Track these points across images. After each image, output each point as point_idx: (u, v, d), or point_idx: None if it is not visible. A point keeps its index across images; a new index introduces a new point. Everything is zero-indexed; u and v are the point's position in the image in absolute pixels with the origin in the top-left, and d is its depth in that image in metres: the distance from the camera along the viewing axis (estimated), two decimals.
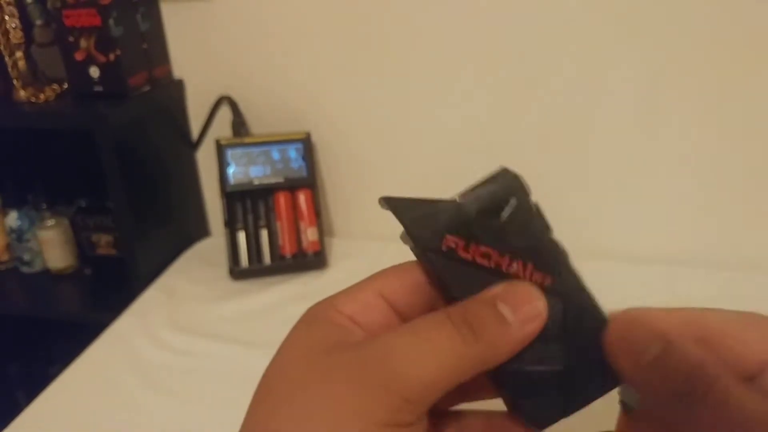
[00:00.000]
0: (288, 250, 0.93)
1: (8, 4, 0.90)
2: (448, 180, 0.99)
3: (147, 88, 0.94)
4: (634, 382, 0.24)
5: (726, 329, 0.25)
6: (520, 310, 0.24)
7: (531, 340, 0.24)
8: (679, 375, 0.23)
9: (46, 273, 1.08)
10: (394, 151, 0.99)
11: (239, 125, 0.98)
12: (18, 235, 1.07)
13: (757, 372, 0.24)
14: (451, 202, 0.27)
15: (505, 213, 0.27)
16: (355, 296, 0.27)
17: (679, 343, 0.23)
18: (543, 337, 0.25)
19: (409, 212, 0.26)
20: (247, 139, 0.95)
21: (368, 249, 0.95)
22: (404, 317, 0.27)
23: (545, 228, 0.27)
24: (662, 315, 0.25)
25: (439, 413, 0.28)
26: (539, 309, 0.24)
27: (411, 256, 0.27)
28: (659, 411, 0.24)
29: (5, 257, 1.10)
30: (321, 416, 0.22)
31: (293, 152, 0.95)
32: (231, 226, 0.93)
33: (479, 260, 0.26)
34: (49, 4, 0.90)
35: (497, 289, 0.24)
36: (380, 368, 0.22)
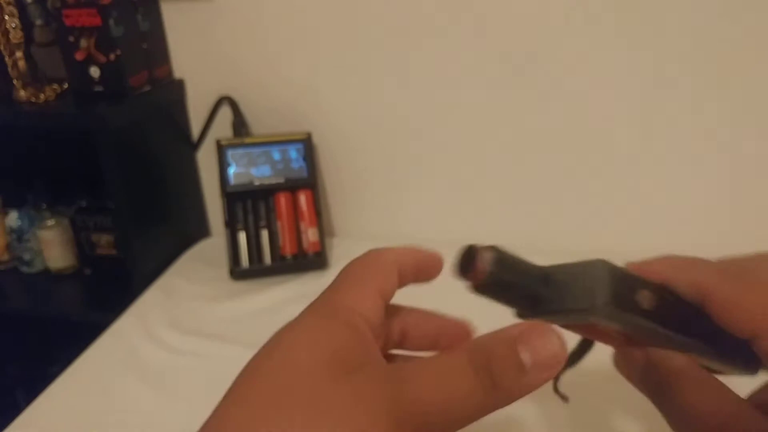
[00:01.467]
0: (288, 250, 0.93)
1: (8, 3, 0.89)
2: (448, 180, 1.00)
3: (147, 88, 0.94)
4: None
5: (725, 292, 0.27)
6: (539, 356, 0.23)
7: (545, 383, 0.24)
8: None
9: (46, 273, 1.08)
10: (395, 151, 0.99)
11: (240, 125, 0.98)
12: (18, 235, 1.06)
13: (748, 338, 0.27)
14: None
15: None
16: (362, 296, 0.27)
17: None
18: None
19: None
20: (247, 140, 0.95)
21: (368, 249, 0.95)
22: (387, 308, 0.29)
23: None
24: (664, 267, 0.29)
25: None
26: (558, 356, 0.24)
27: None
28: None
29: (5, 257, 1.10)
30: None
31: (294, 152, 0.95)
32: (231, 226, 0.93)
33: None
34: (49, 4, 0.90)
35: (517, 329, 0.24)
36: (406, 406, 0.23)
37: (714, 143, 0.86)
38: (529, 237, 0.94)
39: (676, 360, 0.28)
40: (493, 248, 0.27)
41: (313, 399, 0.23)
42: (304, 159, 0.95)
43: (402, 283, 0.29)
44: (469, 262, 0.27)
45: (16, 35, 0.91)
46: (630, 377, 0.30)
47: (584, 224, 0.93)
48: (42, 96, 0.92)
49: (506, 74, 0.89)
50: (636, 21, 0.83)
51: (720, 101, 0.84)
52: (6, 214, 1.07)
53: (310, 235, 0.93)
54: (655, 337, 0.27)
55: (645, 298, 0.27)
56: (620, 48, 0.84)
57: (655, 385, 0.28)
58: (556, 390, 0.31)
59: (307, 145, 0.95)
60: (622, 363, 0.30)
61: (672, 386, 0.27)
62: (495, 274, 0.26)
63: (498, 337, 0.24)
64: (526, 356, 0.23)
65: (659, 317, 0.27)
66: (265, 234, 0.94)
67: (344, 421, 0.22)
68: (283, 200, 0.94)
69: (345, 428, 0.22)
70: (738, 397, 0.27)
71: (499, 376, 0.23)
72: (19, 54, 0.92)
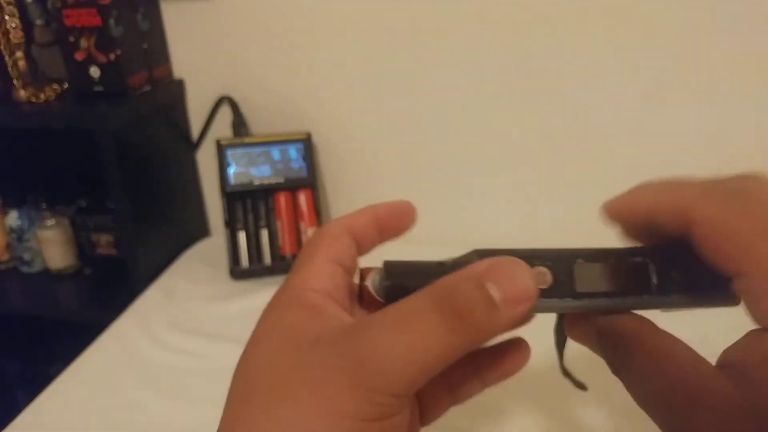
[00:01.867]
0: (288, 250, 0.93)
1: (8, 3, 0.90)
2: (448, 179, 1.00)
3: (147, 87, 0.94)
4: None
5: (712, 214, 0.23)
6: (508, 290, 0.22)
7: (519, 322, 0.23)
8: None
9: (47, 273, 1.08)
10: (395, 150, 0.99)
11: (239, 125, 0.98)
12: (18, 235, 1.06)
13: (733, 273, 0.23)
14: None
15: None
16: (314, 270, 0.26)
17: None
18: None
19: None
20: (247, 139, 0.95)
21: None
22: (352, 272, 0.28)
23: None
24: (653, 193, 0.26)
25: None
26: (528, 289, 0.22)
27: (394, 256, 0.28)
28: None
29: (5, 257, 1.10)
30: (310, 419, 0.21)
31: (294, 152, 0.95)
32: (231, 226, 0.93)
33: None
34: (49, 4, 0.90)
35: (483, 265, 0.22)
36: (367, 366, 0.21)
37: (716, 142, 0.87)
38: (531, 236, 0.94)
39: (627, 324, 0.25)
40: (383, 265, 0.27)
41: (274, 383, 0.23)
42: (304, 159, 0.95)
43: (366, 244, 0.29)
44: (362, 290, 0.27)
45: (16, 35, 0.91)
46: (586, 344, 0.27)
47: (587, 222, 0.93)
48: (42, 96, 0.92)
49: (508, 73, 0.89)
50: (638, 20, 0.83)
51: (722, 100, 0.84)
52: (6, 213, 1.07)
53: (310, 234, 0.94)
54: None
55: (543, 276, 0.26)
56: (623, 46, 0.85)
57: (611, 353, 0.25)
58: (566, 374, 0.30)
59: (307, 145, 0.95)
60: (573, 330, 0.28)
61: (626, 355, 0.24)
62: (388, 287, 0.26)
63: (463, 275, 0.22)
64: (494, 291, 0.22)
65: (562, 290, 0.25)
66: (264, 234, 0.94)
67: (308, 397, 0.22)
68: (282, 200, 0.94)
69: (309, 403, 0.22)
70: (702, 363, 0.23)
71: (468, 314, 0.21)
72: (19, 54, 0.92)
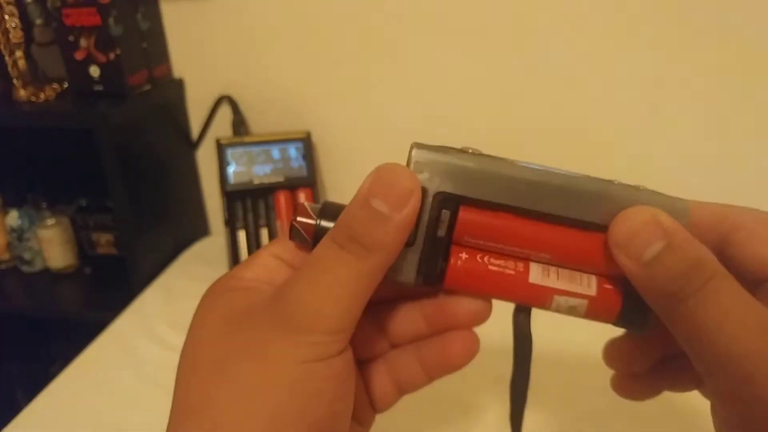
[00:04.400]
0: None
1: (8, 3, 0.90)
2: None
3: (147, 87, 0.94)
4: (635, 279, 0.24)
5: (756, 229, 0.25)
6: (391, 197, 0.23)
7: (414, 220, 0.24)
8: (676, 271, 0.23)
9: (47, 272, 1.08)
10: (395, 150, 0.98)
11: (239, 124, 0.98)
12: (18, 235, 1.07)
13: (763, 279, 0.25)
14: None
15: None
16: (252, 263, 0.27)
17: (681, 243, 0.23)
18: None
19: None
20: (247, 139, 0.95)
21: None
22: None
23: None
24: (695, 207, 0.26)
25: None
26: (408, 186, 0.24)
27: None
28: (655, 311, 0.24)
29: (5, 256, 1.10)
30: (254, 377, 0.22)
31: (293, 151, 0.95)
32: (231, 225, 0.93)
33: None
34: (48, 4, 0.90)
35: (364, 184, 0.24)
36: (296, 313, 0.23)
37: (716, 141, 0.87)
38: None
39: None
40: (324, 203, 0.27)
41: (214, 358, 0.23)
42: (304, 158, 0.95)
43: None
44: (293, 227, 0.27)
45: (15, 35, 0.91)
46: (628, 263, 0.25)
47: None
48: (42, 95, 0.92)
49: (509, 74, 0.89)
50: (639, 16, 0.83)
51: (726, 98, 0.84)
52: (6, 213, 1.07)
53: None
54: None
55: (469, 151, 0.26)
56: (623, 46, 0.85)
57: (669, 280, 0.24)
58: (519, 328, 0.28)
59: (307, 144, 0.95)
60: (622, 241, 0.25)
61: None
62: (318, 227, 0.26)
63: (351, 204, 0.25)
64: (379, 204, 0.23)
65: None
66: (265, 233, 0.94)
67: (248, 359, 0.22)
68: (282, 199, 0.94)
69: (251, 363, 0.22)
70: None
71: (364, 236, 0.23)
72: (18, 53, 0.92)
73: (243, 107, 0.99)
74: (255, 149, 0.94)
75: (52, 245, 1.05)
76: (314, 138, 0.98)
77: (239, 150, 0.94)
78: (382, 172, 0.25)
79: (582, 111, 0.89)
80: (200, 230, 1.11)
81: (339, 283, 0.23)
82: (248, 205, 0.95)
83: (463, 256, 0.27)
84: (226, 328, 0.24)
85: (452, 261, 0.27)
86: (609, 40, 0.84)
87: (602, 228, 0.26)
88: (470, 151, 0.27)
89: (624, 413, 0.57)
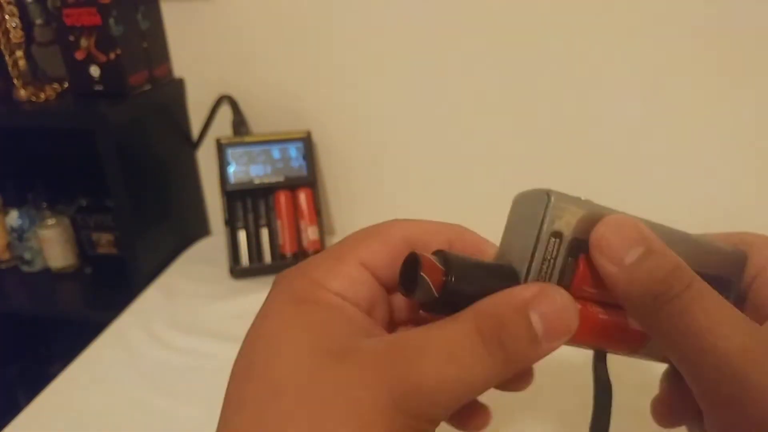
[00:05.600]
0: (288, 248, 0.93)
1: (8, 3, 0.90)
2: (448, 178, 1.00)
3: (147, 87, 0.94)
4: (614, 283, 0.24)
5: (756, 241, 0.27)
6: (551, 326, 0.22)
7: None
8: (657, 275, 0.23)
9: (47, 272, 1.08)
10: (395, 149, 0.99)
11: (239, 124, 0.98)
12: (19, 234, 1.07)
13: (754, 274, 0.27)
14: None
15: None
16: (338, 270, 0.25)
17: (660, 248, 0.24)
18: None
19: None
20: (247, 138, 0.95)
21: None
22: (386, 286, 0.26)
23: None
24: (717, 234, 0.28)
25: None
26: (571, 325, 0.22)
27: None
28: (634, 317, 0.25)
29: (6, 256, 1.10)
30: (339, 428, 0.21)
31: (294, 151, 0.95)
32: (231, 224, 0.93)
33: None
34: (49, 4, 0.90)
35: (529, 292, 0.22)
36: (412, 392, 0.21)
37: (717, 142, 0.87)
38: None
39: None
40: (440, 254, 0.23)
41: (303, 387, 0.21)
42: (304, 157, 0.95)
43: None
44: (413, 275, 0.22)
45: (16, 35, 0.91)
46: (607, 266, 0.25)
47: None
48: (42, 95, 0.92)
49: (509, 73, 0.89)
50: (638, 17, 0.83)
51: (727, 98, 0.84)
52: (6, 213, 1.07)
53: (310, 233, 0.93)
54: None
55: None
56: (623, 46, 0.84)
57: (650, 283, 0.24)
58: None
59: (307, 144, 0.95)
60: (601, 244, 0.24)
61: None
62: (450, 283, 0.22)
63: (507, 302, 0.22)
64: (538, 325, 0.22)
65: None
66: (265, 232, 0.94)
67: (341, 406, 0.21)
68: (282, 199, 0.94)
69: (342, 412, 0.21)
70: None
71: (511, 348, 0.22)
72: (19, 53, 0.92)
73: (243, 107, 0.99)
74: (255, 149, 0.94)
75: (53, 245, 1.05)
76: (315, 138, 0.98)
77: (239, 150, 0.94)
78: (550, 292, 0.22)
79: (585, 115, 0.89)
80: (200, 230, 1.11)
81: (468, 381, 0.21)
82: (248, 204, 0.95)
83: (578, 306, 0.25)
84: (321, 360, 0.22)
85: None
86: (609, 43, 0.84)
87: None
88: (584, 199, 0.26)
89: None
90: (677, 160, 0.89)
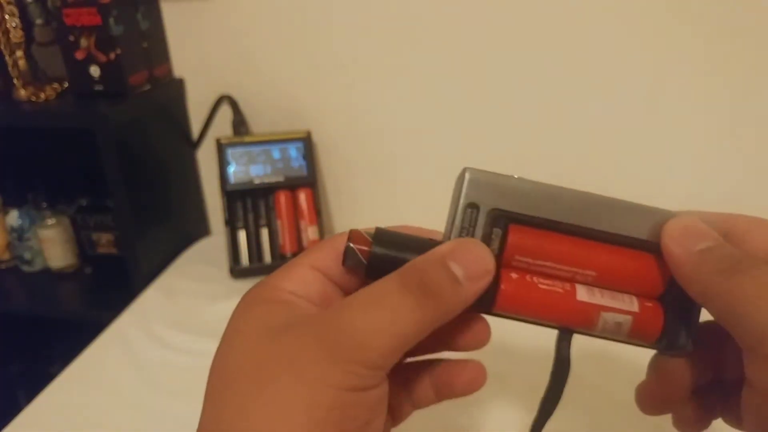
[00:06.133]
0: (288, 248, 0.93)
1: (8, 3, 0.90)
2: (448, 178, 0.99)
3: (147, 87, 0.94)
4: (682, 265, 0.27)
5: (750, 227, 0.28)
6: (469, 268, 0.25)
7: (479, 295, 0.25)
8: (725, 259, 0.26)
9: (47, 272, 1.08)
10: (395, 149, 0.99)
11: (240, 124, 0.98)
12: (18, 234, 1.07)
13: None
14: None
15: None
16: (290, 273, 0.28)
17: (725, 245, 0.26)
18: None
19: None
20: (247, 138, 0.95)
21: None
22: (341, 287, 0.28)
23: None
24: (702, 214, 0.29)
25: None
26: (487, 266, 0.25)
27: None
28: (700, 295, 0.26)
29: (6, 256, 1.10)
30: (292, 396, 0.22)
31: (294, 151, 0.95)
32: (231, 224, 0.93)
33: None
34: (49, 3, 0.90)
35: (446, 247, 0.25)
36: (344, 341, 0.23)
37: (717, 141, 0.87)
38: None
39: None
40: (374, 230, 0.27)
41: (252, 372, 0.23)
42: (304, 157, 0.95)
43: None
44: (349, 250, 0.27)
45: (16, 34, 0.91)
46: (679, 252, 0.28)
47: None
48: (42, 95, 0.92)
49: (509, 73, 0.89)
50: (640, 16, 0.83)
51: (724, 100, 0.84)
52: (6, 213, 1.07)
53: (310, 233, 0.94)
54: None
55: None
56: (624, 45, 0.85)
57: (719, 264, 0.27)
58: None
59: (307, 144, 0.95)
60: (676, 236, 0.28)
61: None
62: (375, 250, 0.27)
63: (428, 257, 0.25)
64: (458, 270, 0.24)
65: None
66: (265, 232, 0.94)
67: (288, 375, 0.22)
68: (283, 199, 0.94)
69: (290, 381, 0.22)
70: None
71: (434, 289, 0.24)
72: (19, 53, 0.92)
73: (243, 107, 0.99)
74: (255, 149, 0.94)
75: (53, 245, 1.05)
76: (315, 138, 0.98)
77: (239, 150, 0.94)
78: (465, 243, 0.26)
79: (585, 113, 0.89)
80: (200, 230, 1.11)
81: (394, 323, 0.23)
82: (248, 204, 0.95)
83: (513, 275, 0.28)
84: (264, 340, 0.24)
85: (504, 284, 0.27)
86: (609, 41, 0.85)
87: (647, 246, 0.28)
88: (516, 176, 0.28)
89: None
90: (674, 148, 0.89)
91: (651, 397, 0.31)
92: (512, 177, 0.27)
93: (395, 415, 0.31)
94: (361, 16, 0.91)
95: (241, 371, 0.24)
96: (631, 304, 0.28)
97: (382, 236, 0.27)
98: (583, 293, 0.27)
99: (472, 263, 0.25)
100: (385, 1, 0.89)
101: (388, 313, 0.23)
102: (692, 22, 0.81)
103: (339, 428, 0.23)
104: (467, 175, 0.27)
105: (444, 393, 0.31)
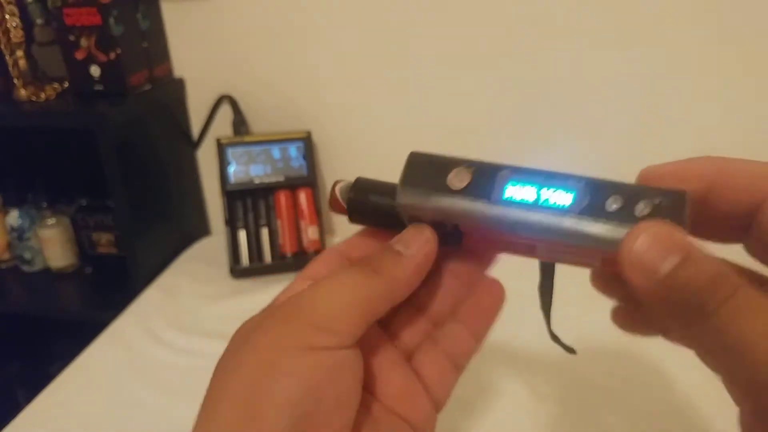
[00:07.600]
0: (289, 248, 0.93)
1: (9, 2, 0.90)
2: None
3: (147, 86, 0.94)
4: (648, 299, 0.22)
5: (738, 169, 0.25)
6: (410, 243, 0.27)
7: (426, 268, 0.28)
8: (696, 284, 0.21)
9: (47, 272, 1.08)
10: (395, 149, 0.98)
11: (240, 124, 0.98)
12: (19, 234, 1.07)
13: (759, 202, 0.24)
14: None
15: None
16: (318, 259, 0.31)
17: (696, 257, 0.21)
18: None
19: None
20: (247, 138, 0.95)
21: None
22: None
23: None
24: (678, 169, 0.27)
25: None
26: (427, 238, 0.28)
27: None
28: (678, 335, 0.23)
29: (6, 256, 1.10)
30: (271, 360, 0.25)
31: (294, 151, 0.95)
32: (231, 224, 0.93)
33: None
34: (49, 3, 0.90)
35: (396, 237, 0.28)
36: (309, 313, 0.25)
37: (717, 139, 0.87)
38: None
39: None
40: (354, 180, 0.30)
41: (240, 387, 0.26)
42: (304, 157, 0.95)
43: None
44: (332, 196, 0.30)
45: (16, 34, 0.91)
46: (640, 283, 0.23)
47: None
48: (42, 95, 0.92)
49: (508, 72, 0.89)
50: (639, 16, 0.83)
51: (723, 96, 0.84)
52: (7, 212, 1.07)
53: (310, 233, 0.94)
54: (486, 221, 0.26)
55: (456, 177, 0.27)
56: (623, 42, 0.85)
57: (685, 298, 0.22)
58: (554, 338, 0.29)
59: (307, 144, 0.95)
60: (633, 261, 0.23)
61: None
62: (353, 199, 0.30)
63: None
64: (398, 245, 0.27)
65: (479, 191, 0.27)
66: (265, 232, 0.94)
67: (264, 350, 0.25)
68: (283, 198, 0.94)
69: (273, 377, 0.24)
70: None
71: (378, 264, 0.27)
72: (19, 53, 0.92)
73: (243, 107, 0.99)
74: (255, 149, 0.94)
75: (53, 245, 1.05)
76: (315, 138, 0.98)
77: (240, 150, 0.94)
78: (410, 228, 0.28)
79: (584, 109, 0.89)
80: (200, 230, 1.11)
81: (343, 289, 0.26)
82: (249, 204, 0.95)
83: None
84: (247, 340, 0.27)
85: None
86: (609, 39, 0.84)
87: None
88: (465, 164, 0.28)
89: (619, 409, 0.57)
90: (674, 148, 0.89)
91: (630, 320, 0.30)
92: (459, 167, 0.28)
93: (437, 385, 0.30)
94: (361, 16, 0.91)
95: (231, 389, 0.27)
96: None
97: (360, 184, 0.30)
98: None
99: (412, 239, 0.28)
100: (386, 3, 0.89)
101: (343, 287, 0.26)
102: (692, 22, 0.81)
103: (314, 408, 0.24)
104: (398, 191, 0.28)
105: (479, 325, 0.31)
